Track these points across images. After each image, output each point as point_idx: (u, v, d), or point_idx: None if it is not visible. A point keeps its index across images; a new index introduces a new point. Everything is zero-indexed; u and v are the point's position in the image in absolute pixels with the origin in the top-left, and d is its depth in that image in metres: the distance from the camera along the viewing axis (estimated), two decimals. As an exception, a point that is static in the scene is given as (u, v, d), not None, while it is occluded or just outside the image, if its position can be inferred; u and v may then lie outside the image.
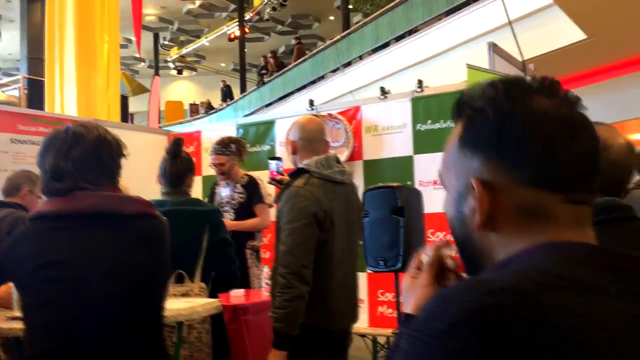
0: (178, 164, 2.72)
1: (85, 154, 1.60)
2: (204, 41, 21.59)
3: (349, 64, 12.42)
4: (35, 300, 1.56)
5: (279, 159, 3.68)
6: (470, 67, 3.80)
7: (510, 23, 4.35)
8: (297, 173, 2.45)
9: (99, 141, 1.64)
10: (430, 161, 4.47)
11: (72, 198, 1.58)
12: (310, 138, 2.50)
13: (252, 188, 4.02)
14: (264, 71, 18.01)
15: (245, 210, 3.97)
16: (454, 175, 0.75)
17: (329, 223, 2.34)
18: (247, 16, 18.83)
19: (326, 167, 2.42)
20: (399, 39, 11.13)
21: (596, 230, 1.34)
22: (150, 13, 20.17)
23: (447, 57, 9.32)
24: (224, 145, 3.97)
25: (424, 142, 4.50)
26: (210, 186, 4.37)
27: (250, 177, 4.08)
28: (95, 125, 1.72)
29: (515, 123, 0.68)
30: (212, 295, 2.66)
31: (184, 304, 2.34)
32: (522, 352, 0.54)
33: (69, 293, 1.53)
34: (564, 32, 7.35)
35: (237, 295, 3.37)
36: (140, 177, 3.38)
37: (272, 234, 3.07)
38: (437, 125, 4.59)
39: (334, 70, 13.00)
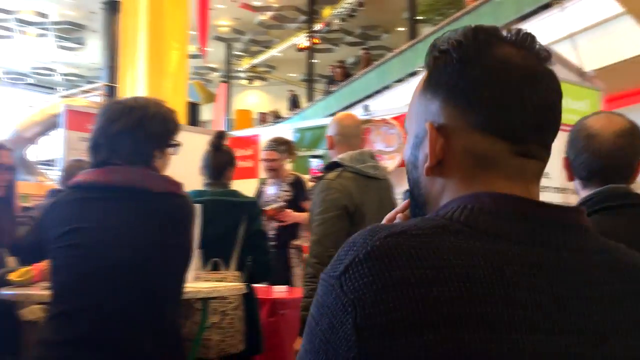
0: (219, 156, 2.84)
1: (122, 131, 1.69)
2: (274, 51, 22.03)
3: (414, 73, 12.38)
4: (59, 262, 1.68)
5: (319, 156, 3.76)
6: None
7: (570, 35, 4.23)
8: (331, 166, 2.51)
9: (141, 120, 1.71)
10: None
11: (106, 171, 1.69)
12: (347, 133, 2.56)
13: (298, 186, 4.11)
14: (331, 82, 18.19)
15: (291, 207, 4.05)
16: (415, 119, 0.75)
17: (359, 216, 2.38)
18: (317, 27, 19.09)
19: (360, 161, 2.47)
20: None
21: (601, 217, 1.36)
22: (223, 24, 20.78)
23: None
24: (278, 143, 4.08)
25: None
26: (258, 186, 4.49)
27: (297, 175, 4.19)
28: (152, 102, 1.78)
29: (475, 66, 0.68)
30: (247, 285, 2.74)
31: (207, 283, 2.44)
32: (402, 286, 0.57)
33: (89, 257, 1.63)
34: (632, 42, 7.10)
35: (278, 290, 3.45)
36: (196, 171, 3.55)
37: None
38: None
39: (399, 80, 12.98)
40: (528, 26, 9.09)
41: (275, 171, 4.10)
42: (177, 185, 1.78)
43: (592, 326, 0.61)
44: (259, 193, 4.32)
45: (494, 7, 10.41)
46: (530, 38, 0.72)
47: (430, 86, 0.73)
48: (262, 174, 5.68)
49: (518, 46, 0.70)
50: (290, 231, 4.03)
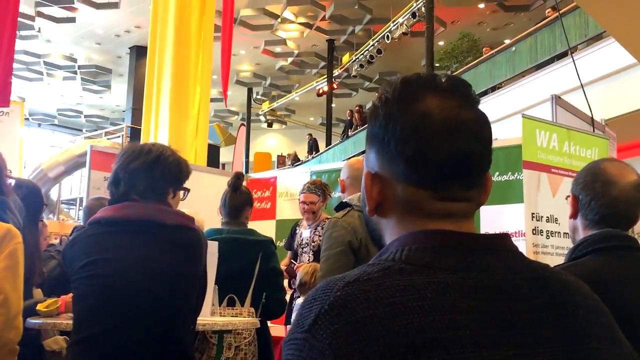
0: (238, 197, 2.97)
1: (140, 167, 1.86)
2: (294, 96, 22.44)
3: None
4: (81, 291, 1.81)
5: None
6: (525, 117, 3.86)
7: (581, 84, 4.36)
8: (340, 207, 2.64)
9: (158, 159, 1.89)
10: (496, 213, 4.49)
11: (122, 207, 1.84)
12: (358, 176, 2.68)
13: None
14: (349, 127, 18.43)
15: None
16: (364, 167, 0.85)
17: (364, 251, 2.49)
18: (336, 73, 19.47)
19: None
20: (481, 95, 11.19)
21: (593, 257, 1.45)
22: (245, 69, 21.29)
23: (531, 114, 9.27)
24: (317, 186, 4.11)
25: (491, 194, 4.47)
26: (292, 226, 4.52)
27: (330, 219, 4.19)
28: (167, 147, 1.97)
29: (396, 124, 0.77)
30: (261, 321, 2.83)
31: (223, 318, 2.54)
32: (368, 326, 0.65)
33: (108, 287, 1.77)
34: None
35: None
36: (215, 212, 3.68)
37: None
38: (504, 177, 4.64)
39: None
40: (542, 75, 9.26)
41: (313, 214, 4.12)
42: (189, 219, 1.93)
43: (526, 336, 0.70)
44: (293, 233, 4.37)
45: (509, 56, 10.62)
46: (461, 84, 0.79)
47: (368, 137, 0.83)
48: (280, 215, 5.79)
49: (445, 95, 0.77)
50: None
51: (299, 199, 4.19)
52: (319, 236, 4.10)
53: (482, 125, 0.79)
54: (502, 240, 0.78)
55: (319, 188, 4.10)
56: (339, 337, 0.65)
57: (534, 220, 3.80)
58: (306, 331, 0.68)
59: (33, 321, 2.18)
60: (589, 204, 1.54)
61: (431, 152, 0.75)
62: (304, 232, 4.23)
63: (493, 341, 0.68)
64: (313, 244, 4.11)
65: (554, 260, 3.75)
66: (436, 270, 0.71)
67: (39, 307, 2.31)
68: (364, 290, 0.69)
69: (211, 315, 2.63)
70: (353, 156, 15.77)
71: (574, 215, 1.60)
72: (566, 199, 1.72)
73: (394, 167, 0.78)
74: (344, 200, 2.67)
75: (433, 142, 0.75)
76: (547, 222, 3.87)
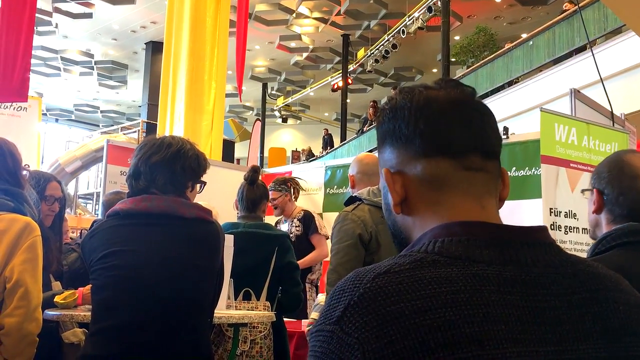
0: (255, 190, 2.97)
1: (160, 162, 1.87)
2: (309, 91, 22.44)
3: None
4: (100, 282, 1.82)
5: None
6: (544, 110, 3.81)
7: (601, 78, 4.30)
8: (350, 201, 2.63)
9: (178, 154, 1.90)
10: (514, 208, 4.44)
11: (141, 199, 1.85)
12: (367, 171, 2.68)
13: (307, 220, 4.27)
14: (365, 122, 18.40)
15: (302, 242, 4.19)
16: (380, 174, 0.85)
17: (374, 244, 2.48)
18: (351, 68, 19.43)
19: (376, 195, 2.58)
20: (498, 89, 11.10)
21: (618, 252, 1.42)
22: (260, 65, 21.32)
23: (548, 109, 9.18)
24: (278, 183, 4.32)
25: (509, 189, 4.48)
26: (275, 224, 4.62)
27: (306, 211, 4.36)
28: (186, 141, 1.97)
29: (404, 110, 0.80)
30: (277, 314, 2.83)
31: (239, 311, 2.54)
32: (399, 319, 0.64)
33: (126, 278, 1.78)
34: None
35: (307, 323, 3.52)
36: (230, 205, 3.71)
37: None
38: (522, 172, 4.59)
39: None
40: (560, 69, 9.16)
41: (278, 209, 4.33)
42: (207, 212, 1.93)
43: (567, 333, 0.69)
44: None
45: (526, 51, 10.52)
46: (453, 82, 0.83)
47: (379, 141, 0.85)
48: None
49: (443, 88, 0.81)
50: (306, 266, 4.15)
51: None
52: (296, 227, 4.26)
53: (485, 106, 0.82)
54: (540, 233, 0.76)
55: (279, 184, 4.31)
56: (368, 331, 0.64)
57: (552, 215, 3.76)
58: (334, 323, 0.66)
59: (51, 313, 2.20)
60: (616, 199, 1.50)
61: (442, 121, 0.78)
62: (283, 227, 4.37)
63: (531, 337, 0.66)
64: (291, 234, 4.23)
65: (572, 256, 3.69)
66: (471, 263, 0.69)
67: (57, 299, 2.33)
68: (395, 282, 0.67)
69: (227, 309, 2.64)
70: (369, 151, 15.76)
71: (598, 210, 1.56)
72: (582, 192, 1.68)
73: (411, 148, 0.79)
74: (353, 195, 2.64)
75: (441, 113, 0.79)
76: (565, 217, 3.82)
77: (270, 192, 4.22)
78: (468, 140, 0.78)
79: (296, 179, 4.50)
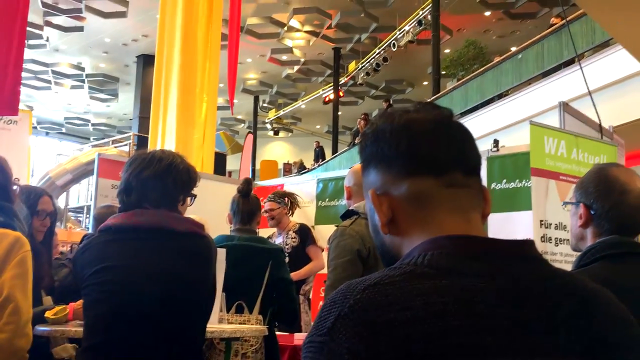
0: (249, 202, 2.97)
1: (152, 176, 1.86)
2: (300, 104, 22.49)
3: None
4: (92, 298, 1.81)
5: None
6: (533, 123, 3.85)
7: (589, 92, 4.35)
8: (347, 215, 2.61)
9: (169, 168, 1.89)
10: (504, 221, 4.46)
11: (133, 214, 1.85)
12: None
13: (303, 232, 4.31)
14: (356, 135, 18.44)
15: (298, 254, 4.22)
16: (366, 197, 0.87)
17: (372, 260, 2.45)
18: (342, 80, 19.51)
19: None
20: (487, 102, 11.18)
21: (603, 264, 1.44)
22: (251, 77, 21.36)
23: (538, 121, 9.25)
24: (278, 195, 4.37)
25: (499, 202, 4.50)
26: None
27: (302, 224, 4.40)
28: (176, 155, 1.98)
29: (385, 132, 0.83)
30: (269, 328, 2.82)
31: (231, 325, 2.53)
32: (388, 330, 0.65)
33: (118, 293, 1.77)
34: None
35: (299, 337, 3.52)
36: (222, 219, 3.71)
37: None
38: (512, 185, 4.61)
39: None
40: (549, 82, 9.25)
41: (275, 220, 4.35)
42: (199, 226, 1.93)
43: (553, 344, 0.70)
44: None
45: (515, 64, 10.61)
46: (431, 105, 0.86)
47: (364, 165, 0.87)
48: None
49: (421, 112, 0.84)
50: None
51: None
52: (292, 238, 4.27)
53: (464, 126, 0.85)
54: (527, 247, 0.78)
55: (279, 196, 4.37)
56: (358, 341, 0.65)
57: (542, 227, 3.78)
58: (325, 334, 0.68)
59: (41, 328, 2.18)
60: (606, 214, 1.52)
61: (423, 141, 0.81)
62: (277, 240, 4.38)
63: (518, 348, 0.67)
64: (287, 247, 4.25)
65: (563, 267, 3.71)
66: (460, 275, 0.71)
67: (47, 314, 2.31)
68: (385, 294, 0.68)
69: (219, 322, 2.63)
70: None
71: (585, 225, 1.56)
72: (563, 205, 1.69)
73: (395, 169, 0.82)
74: (350, 208, 2.63)
75: (422, 133, 0.81)
76: (555, 229, 3.85)
77: (268, 203, 4.31)
78: (449, 158, 0.81)
79: (295, 195, 4.52)
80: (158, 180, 1.87)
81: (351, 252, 2.43)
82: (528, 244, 0.78)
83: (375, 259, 2.47)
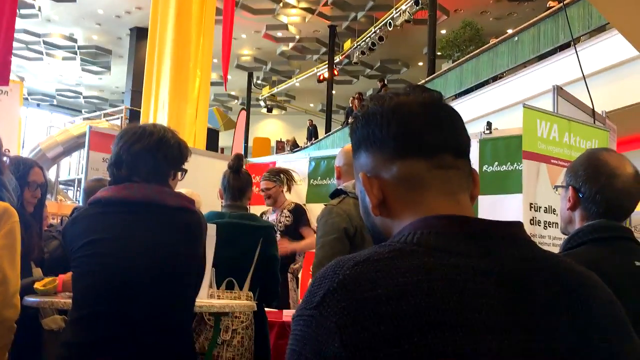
0: (240, 178, 2.96)
1: (143, 150, 1.85)
2: (294, 81, 22.38)
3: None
4: (82, 270, 1.81)
5: None
6: (526, 106, 3.85)
7: (584, 76, 4.35)
8: (335, 194, 2.64)
9: (160, 142, 1.88)
10: (494, 203, 4.48)
11: (123, 187, 1.84)
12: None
13: (298, 212, 4.27)
14: (350, 114, 18.40)
15: (291, 232, 4.19)
16: (356, 179, 0.88)
17: (359, 238, 2.49)
18: (337, 59, 19.41)
19: None
20: (482, 84, 11.16)
21: (589, 247, 1.45)
22: (246, 54, 21.20)
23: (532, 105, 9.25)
24: (273, 173, 4.30)
25: (490, 184, 4.52)
26: (259, 215, 4.61)
27: (297, 204, 4.37)
28: (167, 129, 1.96)
29: (376, 115, 0.84)
30: (258, 304, 2.84)
31: (220, 300, 2.54)
32: (376, 305, 0.66)
33: (107, 265, 1.77)
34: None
35: (288, 313, 3.54)
36: (214, 195, 3.70)
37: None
38: (503, 167, 4.63)
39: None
40: (544, 66, 9.23)
41: (271, 199, 4.28)
42: (190, 201, 1.93)
43: (537, 324, 0.71)
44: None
45: (511, 46, 10.58)
46: (421, 88, 0.87)
47: (354, 147, 0.88)
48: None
49: (411, 94, 0.85)
50: (289, 255, 4.14)
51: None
52: (286, 217, 4.23)
53: (453, 109, 0.86)
54: (516, 229, 0.79)
55: (274, 174, 4.29)
56: (346, 316, 0.66)
57: (532, 210, 3.81)
58: (314, 308, 0.69)
59: (30, 299, 2.18)
60: (593, 197, 1.53)
61: (413, 123, 0.82)
62: (270, 217, 4.34)
63: (502, 326, 0.68)
64: (280, 224, 4.22)
65: (551, 250, 3.74)
66: (448, 254, 0.72)
67: (37, 285, 2.32)
68: (374, 270, 0.70)
69: (209, 298, 2.64)
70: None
71: (573, 208, 1.58)
72: (554, 189, 1.70)
73: (386, 151, 0.82)
74: (338, 187, 2.65)
75: (412, 116, 0.82)
76: (545, 212, 3.87)
77: (264, 182, 4.25)
78: (439, 140, 0.81)
79: (290, 171, 4.45)
80: (149, 155, 1.86)
81: (338, 230, 2.46)
82: (517, 225, 0.79)
83: (362, 237, 2.49)
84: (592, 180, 1.54)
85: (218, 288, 2.77)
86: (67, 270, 2.22)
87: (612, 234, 1.50)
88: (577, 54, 4.78)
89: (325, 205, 2.61)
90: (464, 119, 0.87)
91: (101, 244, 1.79)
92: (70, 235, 1.86)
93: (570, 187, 1.59)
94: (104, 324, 1.75)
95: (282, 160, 6.21)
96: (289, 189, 4.35)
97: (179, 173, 1.99)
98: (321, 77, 19.97)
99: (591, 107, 4.51)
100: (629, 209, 1.56)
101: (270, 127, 27.14)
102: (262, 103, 23.63)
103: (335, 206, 2.53)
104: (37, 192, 2.63)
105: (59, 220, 7.60)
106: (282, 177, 4.29)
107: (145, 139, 1.87)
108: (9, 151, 3.01)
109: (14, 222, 1.97)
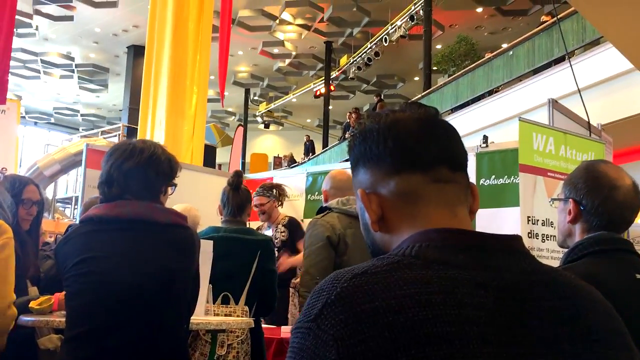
0: (240, 195, 2.97)
1: (134, 168, 1.84)
2: (291, 97, 22.46)
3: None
4: (74, 288, 1.80)
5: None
6: (522, 120, 3.87)
7: (579, 89, 4.38)
8: (321, 211, 2.83)
9: (151, 159, 1.87)
10: (492, 216, 4.48)
11: (115, 205, 1.83)
12: (340, 187, 2.85)
13: (293, 226, 4.29)
14: (347, 129, 18.44)
15: (288, 247, 4.20)
16: (355, 194, 0.89)
17: (343, 246, 2.66)
18: (333, 75, 19.49)
19: (345, 204, 2.77)
20: (478, 99, 11.20)
21: (589, 260, 1.45)
22: (242, 70, 21.29)
23: (528, 118, 9.28)
24: (266, 189, 4.32)
25: (487, 197, 4.52)
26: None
27: (292, 218, 4.38)
28: (157, 145, 1.96)
29: (372, 131, 0.85)
30: (255, 320, 2.82)
31: (217, 317, 2.53)
32: (373, 318, 0.66)
33: (100, 283, 1.76)
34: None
35: (286, 330, 3.52)
36: (212, 211, 3.69)
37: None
38: (500, 181, 4.63)
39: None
40: (539, 79, 9.28)
41: (265, 214, 4.30)
42: (182, 217, 1.93)
43: (535, 337, 0.71)
44: None
45: (506, 60, 10.64)
46: (417, 104, 0.88)
47: (353, 164, 0.89)
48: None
49: (407, 111, 0.86)
50: (289, 270, 4.16)
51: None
52: (281, 232, 4.26)
53: (449, 124, 0.86)
54: (515, 242, 0.79)
55: (268, 189, 4.31)
56: (343, 328, 0.66)
57: (529, 223, 3.81)
58: (312, 320, 0.69)
59: (26, 318, 2.17)
60: (596, 209, 1.52)
61: (409, 138, 0.82)
62: (266, 232, 4.35)
63: (499, 339, 0.68)
64: (276, 240, 4.22)
65: (549, 264, 3.73)
66: (446, 266, 0.72)
67: (32, 304, 2.30)
68: (371, 282, 0.70)
69: (205, 313, 2.62)
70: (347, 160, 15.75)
71: (574, 220, 1.57)
72: (550, 202, 1.70)
73: (383, 167, 0.83)
74: (323, 205, 2.85)
75: (408, 131, 0.83)
76: (542, 225, 3.87)
77: (257, 198, 4.26)
78: (436, 154, 0.82)
79: (282, 185, 4.47)
80: (140, 172, 1.85)
81: (322, 239, 2.65)
82: (515, 239, 0.80)
83: (345, 245, 2.66)
84: (594, 193, 1.53)
85: (214, 303, 2.76)
86: (63, 289, 2.20)
87: (614, 246, 1.50)
88: (571, 68, 4.81)
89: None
90: (461, 133, 0.88)
91: (93, 262, 1.77)
92: (63, 254, 1.84)
93: (570, 199, 1.58)
94: (97, 343, 1.73)
95: (280, 176, 6.21)
96: (281, 204, 4.36)
97: (170, 188, 1.99)
98: (318, 93, 20.05)
99: (587, 119, 4.53)
100: (629, 221, 1.56)
101: (268, 143, 27.18)
102: (259, 119, 23.68)
103: (319, 219, 2.74)
104: (33, 209, 2.62)
105: (54, 239, 7.58)
106: (275, 192, 4.30)
107: (136, 157, 1.86)
108: (5, 170, 3.01)
109: (7, 238, 1.97)
